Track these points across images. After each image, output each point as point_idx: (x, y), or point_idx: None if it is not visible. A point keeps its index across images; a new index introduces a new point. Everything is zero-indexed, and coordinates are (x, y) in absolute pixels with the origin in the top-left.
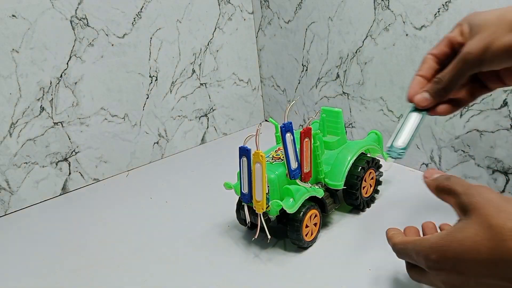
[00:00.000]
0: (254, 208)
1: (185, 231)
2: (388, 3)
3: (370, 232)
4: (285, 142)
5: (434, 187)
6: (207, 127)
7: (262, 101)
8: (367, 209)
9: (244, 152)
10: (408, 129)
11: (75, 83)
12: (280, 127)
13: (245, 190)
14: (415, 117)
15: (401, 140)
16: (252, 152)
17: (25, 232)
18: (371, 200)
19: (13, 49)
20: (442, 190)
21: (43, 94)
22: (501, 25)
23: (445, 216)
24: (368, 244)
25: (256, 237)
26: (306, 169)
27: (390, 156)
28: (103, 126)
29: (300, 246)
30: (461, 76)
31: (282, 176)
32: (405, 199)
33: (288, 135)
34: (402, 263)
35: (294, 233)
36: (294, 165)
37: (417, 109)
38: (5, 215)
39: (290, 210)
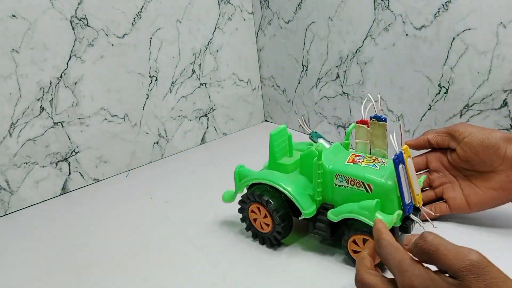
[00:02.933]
0: (415, 204)
1: (185, 231)
2: (388, 3)
3: None
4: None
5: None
6: (207, 127)
7: (262, 101)
8: None
9: (400, 159)
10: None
11: (75, 83)
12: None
13: (409, 200)
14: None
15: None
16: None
17: (25, 232)
18: None
19: (13, 49)
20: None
21: (43, 94)
22: None
23: (444, 217)
24: None
25: (434, 226)
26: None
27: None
28: (103, 126)
29: None
30: None
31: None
32: None
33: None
34: None
35: None
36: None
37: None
38: (5, 215)
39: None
